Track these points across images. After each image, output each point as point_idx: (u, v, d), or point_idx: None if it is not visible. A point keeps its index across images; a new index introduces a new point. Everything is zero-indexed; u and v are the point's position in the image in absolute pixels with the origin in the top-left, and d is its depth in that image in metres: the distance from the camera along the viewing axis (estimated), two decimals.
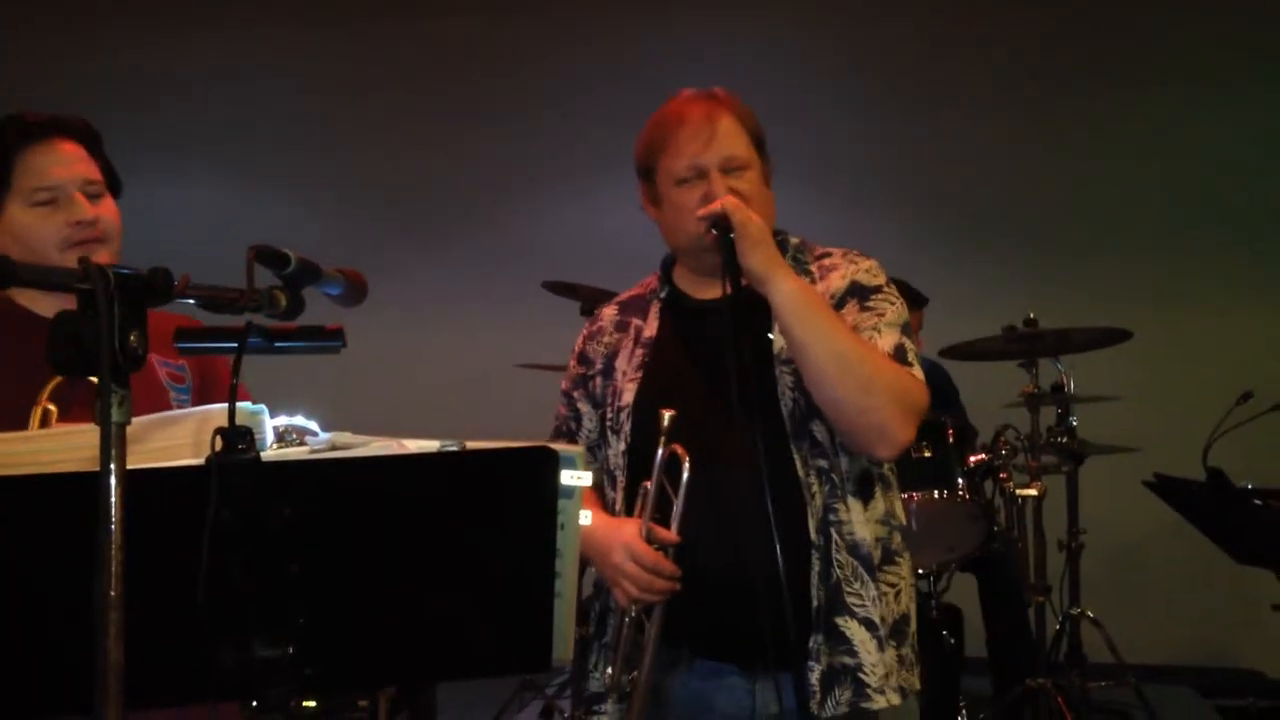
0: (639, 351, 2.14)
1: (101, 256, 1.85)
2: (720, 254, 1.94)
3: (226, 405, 1.22)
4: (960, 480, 3.82)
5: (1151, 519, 4.15)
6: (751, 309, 1.97)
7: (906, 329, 2.04)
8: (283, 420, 1.36)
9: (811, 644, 1.93)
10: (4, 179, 1.88)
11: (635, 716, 1.96)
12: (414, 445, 1.34)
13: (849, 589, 1.95)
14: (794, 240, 2.15)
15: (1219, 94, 5.69)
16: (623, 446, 2.08)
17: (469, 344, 6.05)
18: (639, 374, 2.11)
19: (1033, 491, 4.05)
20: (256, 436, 1.27)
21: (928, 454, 3.77)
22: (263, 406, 1.36)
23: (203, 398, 1.96)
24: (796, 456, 1.97)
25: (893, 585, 2.00)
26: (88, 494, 1.13)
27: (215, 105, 6.32)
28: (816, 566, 1.95)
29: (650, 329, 2.16)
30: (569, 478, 1.41)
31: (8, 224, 1.88)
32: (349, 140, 6.31)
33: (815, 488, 1.97)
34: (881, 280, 2.08)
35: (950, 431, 3.86)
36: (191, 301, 1.27)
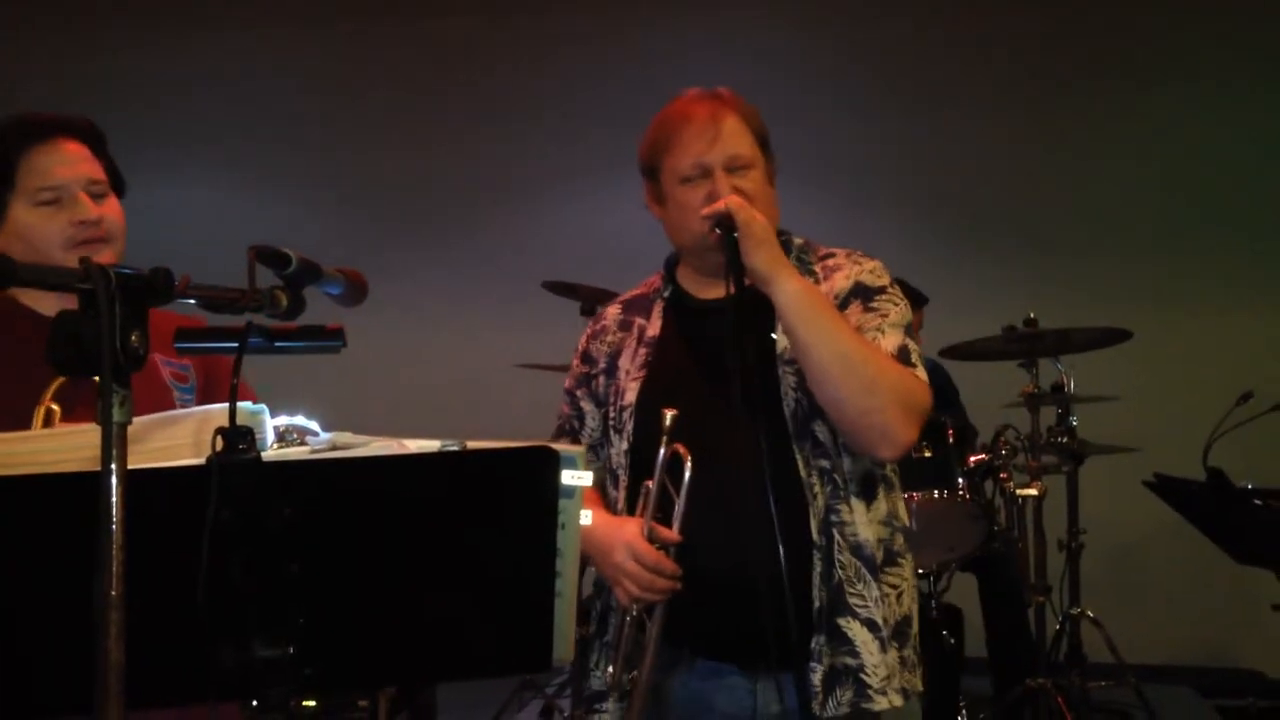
0: (642, 351, 2.14)
1: (105, 256, 1.86)
2: (724, 253, 1.93)
3: (227, 405, 1.22)
4: (960, 480, 3.82)
5: (1151, 519, 4.15)
6: (755, 309, 1.97)
7: (910, 330, 2.04)
8: (283, 420, 1.36)
9: (813, 645, 1.93)
10: (8, 179, 1.88)
11: (636, 716, 1.96)
12: (414, 445, 1.34)
13: (851, 590, 1.95)
14: (798, 241, 2.15)
15: (1219, 94, 5.69)
16: (625, 445, 2.08)
17: (469, 344, 6.05)
18: (642, 373, 2.11)
19: (1033, 491, 4.05)
20: (257, 436, 1.27)
21: (928, 454, 3.77)
22: (263, 406, 1.36)
23: (207, 397, 1.96)
24: (799, 457, 1.97)
25: (895, 587, 1.99)
26: (88, 494, 1.13)
27: (215, 105, 6.32)
28: (818, 567, 1.95)
29: (653, 328, 2.16)
30: (570, 477, 1.41)
31: (12, 224, 1.89)
32: (349, 140, 6.31)
33: (817, 488, 1.97)
34: (885, 281, 2.08)
35: (950, 431, 3.86)
36: (192, 301, 1.27)
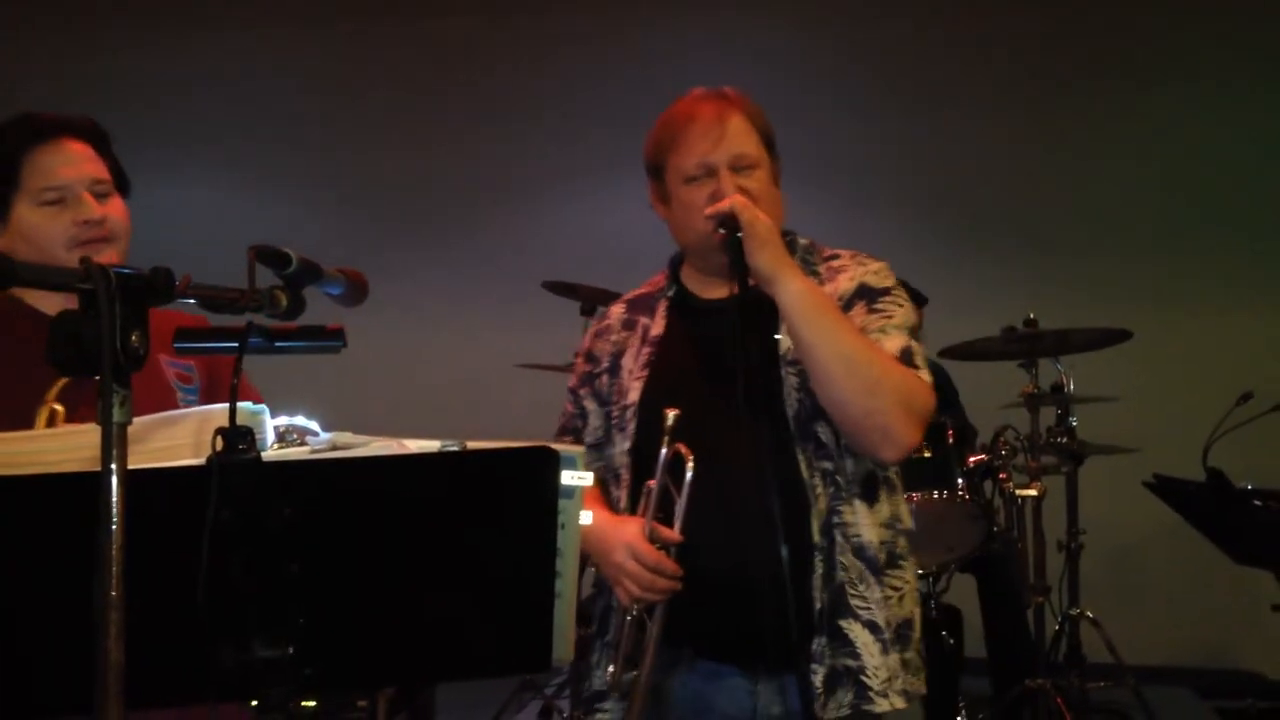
0: (645, 350, 2.13)
1: (109, 256, 1.86)
2: (728, 253, 1.93)
3: (227, 405, 1.22)
4: (960, 480, 3.82)
5: (1151, 520, 4.14)
6: (759, 309, 1.97)
7: (914, 332, 2.04)
8: (283, 420, 1.36)
9: (815, 646, 1.93)
10: (13, 179, 1.88)
11: (636, 716, 1.96)
12: (414, 445, 1.34)
13: (853, 591, 1.95)
14: (803, 241, 2.14)
15: (1219, 94, 5.69)
16: (627, 445, 2.08)
17: (469, 344, 6.05)
18: (645, 372, 2.10)
19: (1032, 492, 4.05)
20: (257, 436, 1.27)
21: (927, 454, 3.77)
22: (263, 407, 1.36)
23: (211, 398, 1.96)
24: (801, 458, 1.97)
25: (897, 589, 1.99)
26: (89, 494, 1.13)
27: (215, 105, 6.32)
28: (820, 569, 1.94)
29: (657, 328, 2.15)
30: (570, 478, 1.41)
31: (17, 223, 1.89)
32: (349, 140, 6.31)
33: (819, 489, 1.96)
34: (890, 283, 2.07)
35: (950, 432, 3.86)
36: (192, 301, 1.27)
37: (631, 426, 2.08)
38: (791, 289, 1.92)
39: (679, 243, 2.16)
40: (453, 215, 6.30)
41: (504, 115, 6.18)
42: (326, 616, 1.28)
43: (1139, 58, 5.78)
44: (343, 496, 1.29)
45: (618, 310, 2.25)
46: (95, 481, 1.13)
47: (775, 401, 1.98)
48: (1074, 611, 4.20)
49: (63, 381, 1.76)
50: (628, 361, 2.14)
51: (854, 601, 1.94)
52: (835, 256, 2.12)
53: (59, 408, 1.76)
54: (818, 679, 1.92)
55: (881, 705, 1.93)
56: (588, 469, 1.57)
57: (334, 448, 1.32)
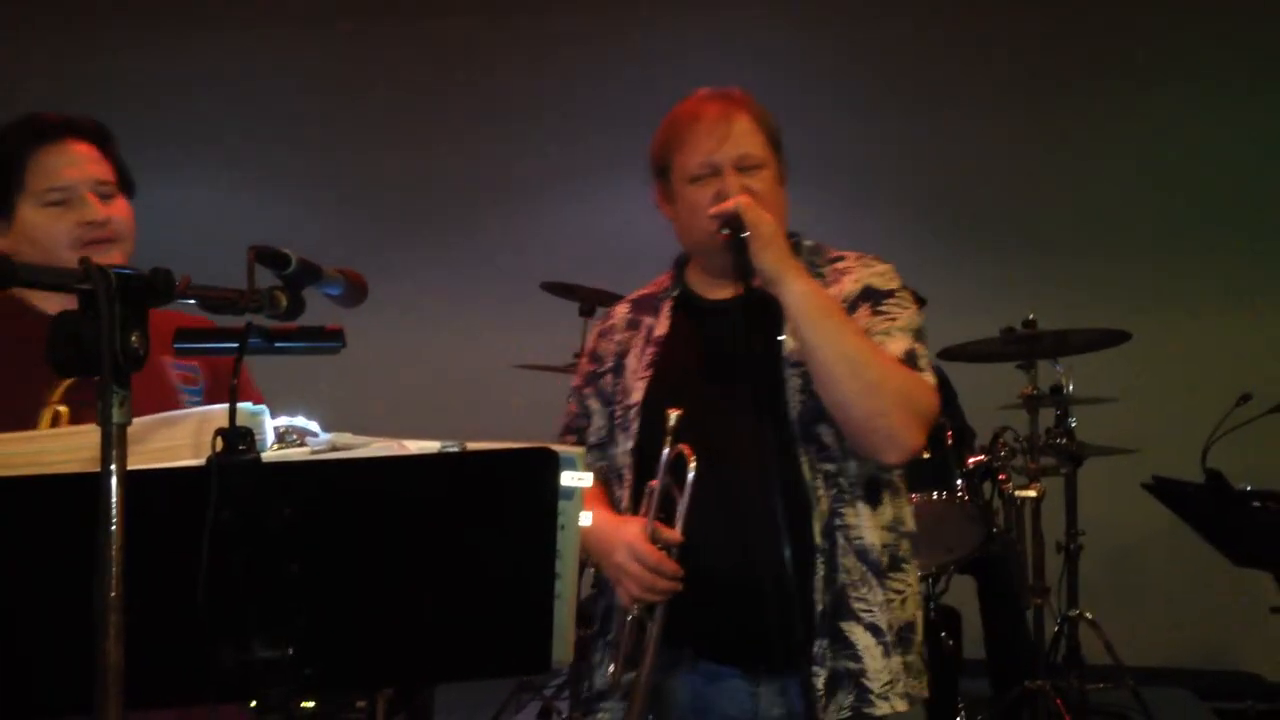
0: (649, 350, 2.13)
1: (113, 256, 1.86)
2: (732, 254, 1.93)
3: (227, 406, 1.22)
4: (959, 482, 3.81)
5: (1150, 521, 4.14)
6: (763, 310, 1.97)
7: (919, 334, 2.04)
8: (283, 420, 1.36)
9: (816, 648, 1.93)
10: (17, 180, 1.89)
11: (636, 716, 1.95)
12: (414, 446, 1.34)
13: (855, 594, 1.94)
14: (808, 243, 2.14)
15: (1219, 94, 5.69)
16: (630, 445, 2.08)
17: (469, 344, 6.05)
18: (649, 372, 2.10)
19: (1031, 493, 4.05)
20: (257, 437, 1.27)
21: (926, 455, 3.76)
22: (263, 407, 1.36)
23: (214, 399, 1.95)
24: (803, 459, 1.96)
25: (899, 592, 1.99)
26: (89, 494, 1.13)
27: (215, 105, 6.32)
28: (821, 570, 1.94)
29: (661, 328, 2.15)
30: (570, 479, 1.41)
31: (21, 224, 1.89)
32: (349, 140, 6.31)
33: (821, 491, 1.96)
34: (895, 285, 2.07)
35: (949, 433, 3.86)
36: (192, 302, 1.27)
37: (635, 426, 2.07)
38: (795, 290, 1.92)
39: (683, 243, 2.16)
40: (453, 215, 6.30)
41: (504, 115, 6.17)
42: (326, 617, 1.28)
43: (1139, 58, 5.77)
44: (342, 497, 1.29)
45: (622, 310, 2.25)
46: (95, 482, 1.13)
47: (778, 403, 1.97)
48: (1073, 613, 4.20)
49: (68, 382, 1.76)
50: (632, 361, 2.14)
51: (855, 604, 1.94)
52: (840, 258, 2.12)
53: (63, 409, 1.76)
54: (819, 681, 1.91)
55: (882, 708, 1.92)
56: (589, 469, 1.57)
57: (334, 448, 1.32)
